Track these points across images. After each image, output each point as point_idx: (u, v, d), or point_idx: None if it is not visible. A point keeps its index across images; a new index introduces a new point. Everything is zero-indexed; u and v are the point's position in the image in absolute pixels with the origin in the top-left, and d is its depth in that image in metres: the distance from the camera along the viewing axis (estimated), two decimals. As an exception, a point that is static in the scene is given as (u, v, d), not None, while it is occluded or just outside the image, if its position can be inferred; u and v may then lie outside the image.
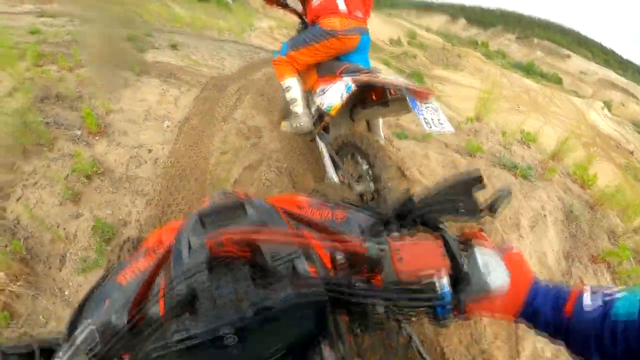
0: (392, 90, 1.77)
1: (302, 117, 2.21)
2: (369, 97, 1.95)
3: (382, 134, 2.34)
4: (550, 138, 4.91)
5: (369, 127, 2.37)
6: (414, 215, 0.60)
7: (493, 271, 0.50)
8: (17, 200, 2.12)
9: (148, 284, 0.57)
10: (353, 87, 1.78)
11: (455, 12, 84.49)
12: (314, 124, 2.25)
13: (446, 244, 0.54)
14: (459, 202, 0.58)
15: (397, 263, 0.51)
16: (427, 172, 2.83)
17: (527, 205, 2.67)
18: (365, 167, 1.86)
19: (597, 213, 2.88)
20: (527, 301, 0.52)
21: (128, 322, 0.46)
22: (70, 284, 1.78)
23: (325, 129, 2.22)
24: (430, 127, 1.61)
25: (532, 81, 25.06)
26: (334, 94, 1.90)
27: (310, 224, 0.70)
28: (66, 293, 1.75)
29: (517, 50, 58.81)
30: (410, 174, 2.71)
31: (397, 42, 28.42)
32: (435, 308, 0.49)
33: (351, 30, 2.00)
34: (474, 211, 0.57)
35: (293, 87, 2.18)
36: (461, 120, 4.22)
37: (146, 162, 2.70)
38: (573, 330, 0.46)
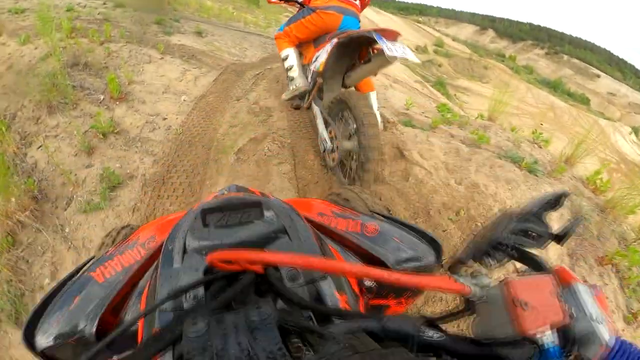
0: (373, 49, 1.89)
1: (297, 80, 2.35)
2: (358, 61, 2.08)
3: (375, 108, 2.37)
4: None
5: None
6: (508, 243, 0.44)
7: (601, 324, 0.35)
8: (38, 148, 2.28)
9: (129, 286, 0.47)
10: (335, 40, 1.91)
11: (485, 23, 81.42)
12: (310, 90, 2.36)
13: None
14: (531, 227, 0.46)
15: (519, 310, 0.34)
16: (427, 155, 2.79)
17: (530, 197, 2.55)
18: (353, 125, 1.91)
19: (608, 216, 2.69)
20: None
21: (97, 333, 0.36)
22: (72, 222, 1.89)
23: (320, 95, 2.31)
24: (392, 51, 1.68)
25: (559, 99, 24.08)
26: (322, 54, 2.04)
27: (336, 238, 0.61)
28: (66, 230, 1.86)
29: (545, 66, 56.19)
30: (409, 154, 2.69)
31: (423, 50, 28.08)
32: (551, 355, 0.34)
33: (330, 7, 2.15)
34: (544, 238, 0.46)
35: (290, 55, 2.34)
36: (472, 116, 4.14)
37: (159, 128, 2.83)
38: None
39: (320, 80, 2.14)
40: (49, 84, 2.77)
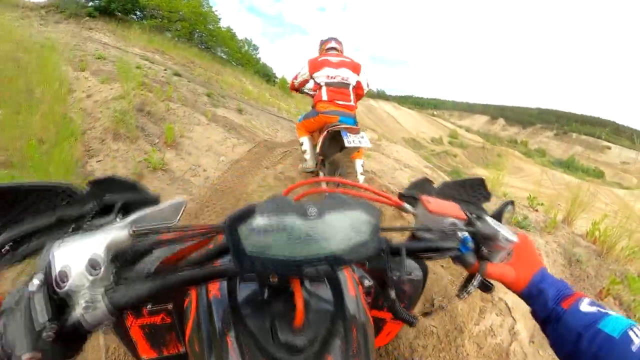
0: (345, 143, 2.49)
1: (308, 161, 3.01)
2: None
3: (359, 171, 2.89)
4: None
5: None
6: (434, 192, 0.66)
7: (503, 229, 0.56)
8: (98, 161, 2.80)
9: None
10: (325, 132, 2.58)
11: (495, 112, 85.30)
12: (316, 165, 3.04)
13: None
14: (475, 199, 0.67)
15: (427, 204, 0.58)
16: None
17: None
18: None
19: (606, 259, 2.77)
20: (535, 280, 0.54)
21: None
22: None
23: (323, 166, 2.96)
24: (350, 143, 2.39)
25: (574, 177, 23.90)
26: (320, 141, 2.70)
27: None
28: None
29: (556, 147, 57.17)
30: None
31: (438, 141, 29.54)
32: (460, 249, 0.56)
33: (329, 112, 2.76)
34: (486, 198, 0.67)
35: (304, 142, 2.99)
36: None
37: (199, 175, 3.24)
38: (563, 322, 0.48)
39: (320, 157, 2.85)
40: (119, 118, 3.38)
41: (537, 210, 3.43)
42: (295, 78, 3.10)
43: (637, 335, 0.42)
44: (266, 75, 18.95)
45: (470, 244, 0.56)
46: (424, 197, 0.59)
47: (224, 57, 16.86)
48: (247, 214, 0.38)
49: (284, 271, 0.38)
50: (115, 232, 0.39)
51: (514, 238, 0.55)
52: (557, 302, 0.51)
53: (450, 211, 0.57)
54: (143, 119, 3.73)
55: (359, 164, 2.86)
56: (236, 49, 18.12)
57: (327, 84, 2.86)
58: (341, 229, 0.40)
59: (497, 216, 0.62)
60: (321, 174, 2.96)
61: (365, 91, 3.09)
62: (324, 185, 2.55)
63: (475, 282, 0.57)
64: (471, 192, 0.68)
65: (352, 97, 2.90)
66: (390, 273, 0.50)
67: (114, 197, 0.46)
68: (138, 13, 14.29)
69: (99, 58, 6.26)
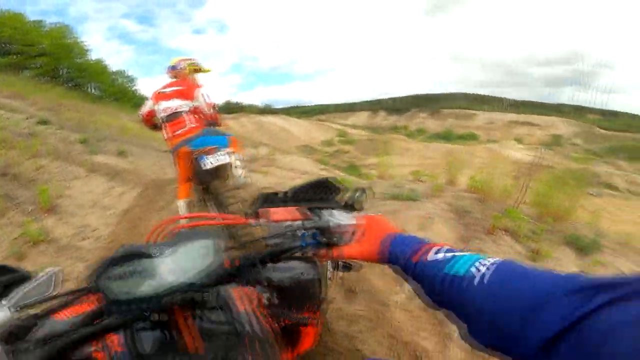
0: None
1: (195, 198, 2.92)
2: None
3: (237, 173, 2.80)
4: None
5: None
6: (284, 200, 0.71)
7: (335, 217, 0.63)
8: None
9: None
10: (189, 161, 2.52)
11: (375, 106, 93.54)
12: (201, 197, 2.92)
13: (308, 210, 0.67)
14: (325, 195, 0.72)
15: (264, 215, 0.65)
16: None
17: (413, 215, 2.83)
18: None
19: (488, 202, 3.06)
20: (383, 246, 0.57)
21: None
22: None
23: (208, 194, 2.85)
24: (206, 165, 2.37)
25: (454, 144, 27.33)
26: None
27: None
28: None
29: (433, 124, 64.63)
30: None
31: (330, 142, 31.53)
32: (302, 244, 0.61)
33: (177, 146, 2.64)
34: (337, 192, 0.72)
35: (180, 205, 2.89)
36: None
37: (89, 237, 3.06)
38: (416, 275, 0.50)
39: (201, 187, 2.75)
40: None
41: (423, 182, 3.84)
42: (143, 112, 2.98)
43: (478, 269, 0.42)
44: (146, 107, 17.50)
45: (309, 238, 0.62)
46: (261, 210, 0.67)
47: (97, 93, 15.20)
48: (103, 267, 0.44)
49: (152, 307, 0.43)
50: None
51: (349, 221, 0.63)
52: (407, 258, 0.52)
53: (284, 216, 0.65)
54: (9, 185, 3.30)
55: (235, 164, 2.71)
56: (109, 82, 16.57)
57: (165, 119, 2.75)
58: (188, 258, 0.47)
59: (351, 204, 0.69)
60: (208, 204, 2.86)
61: (210, 105, 2.85)
62: (182, 222, 2.45)
63: (338, 267, 0.67)
64: (324, 190, 0.74)
65: (188, 119, 2.74)
66: (262, 281, 0.59)
67: None
68: (-18, 51, 11.88)
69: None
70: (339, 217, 0.64)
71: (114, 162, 5.06)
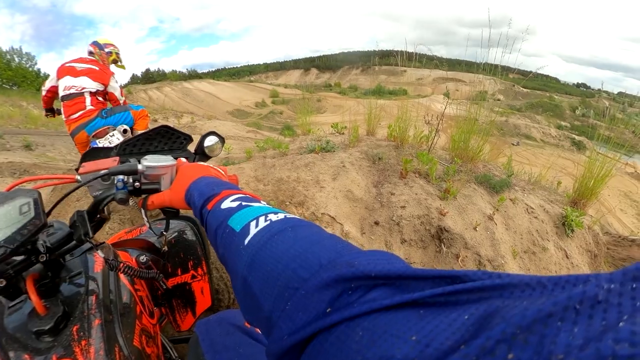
0: None
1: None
2: None
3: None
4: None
5: None
6: (109, 155, 0.70)
7: (148, 162, 0.60)
8: None
9: None
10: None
11: (306, 64, 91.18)
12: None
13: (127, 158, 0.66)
14: (174, 145, 0.71)
15: (81, 169, 0.64)
16: (240, 177, 3.29)
17: (326, 165, 2.81)
18: None
19: (402, 149, 3.09)
20: (187, 192, 0.53)
21: None
22: None
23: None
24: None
25: (385, 100, 28.70)
26: None
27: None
28: None
29: (364, 81, 65.78)
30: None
31: (262, 104, 30.50)
32: (116, 188, 0.60)
33: (73, 133, 2.53)
34: (187, 140, 0.71)
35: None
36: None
37: None
38: (207, 223, 0.45)
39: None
40: None
41: (342, 134, 3.89)
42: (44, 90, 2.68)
43: (255, 226, 0.36)
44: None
45: (120, 184, 0.60)
46: (83, 164, 0.66)
47: (-13, 81, 12.47)
48: None
49: None
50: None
51: (156, 164, 0.59)
52: (204, 204, 0.47)
53: (97, 166, 0.65)
54: None
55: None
56: (3, 65, 14.21)
57: (62, 98, 2.51)
58: (5, 218, 0.49)
59: (201, 148, 0.70)
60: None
61: (121, 92, 2.78)
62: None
63: (168, 215, 0.64)
64: (169, 139, 0.72)
65: (88, 101, 2.54)
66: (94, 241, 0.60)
67: None
68: None
69: None
70: (151, 162, 0.60)
71: (20, 157, 4.53)
